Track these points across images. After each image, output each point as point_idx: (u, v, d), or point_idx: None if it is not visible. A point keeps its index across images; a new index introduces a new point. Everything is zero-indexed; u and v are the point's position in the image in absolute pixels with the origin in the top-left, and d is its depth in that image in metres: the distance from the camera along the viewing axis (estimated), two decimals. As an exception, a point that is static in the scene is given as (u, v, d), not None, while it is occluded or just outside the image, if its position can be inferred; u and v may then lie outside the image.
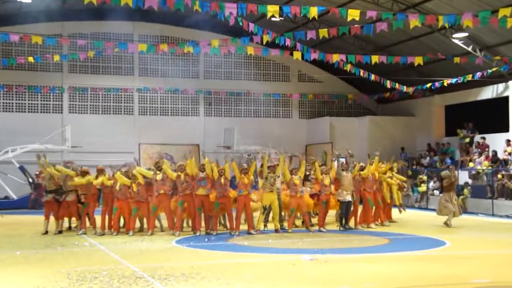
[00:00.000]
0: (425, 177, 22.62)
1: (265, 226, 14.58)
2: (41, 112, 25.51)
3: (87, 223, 14.56)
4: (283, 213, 15.02)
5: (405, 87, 23.15)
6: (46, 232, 14.07)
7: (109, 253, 11.13)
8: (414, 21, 14.47)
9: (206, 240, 12.97)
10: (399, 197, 16.85)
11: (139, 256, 10.77)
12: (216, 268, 9.41)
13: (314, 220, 15.60)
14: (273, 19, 19.91)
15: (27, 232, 14.46)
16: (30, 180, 23.26)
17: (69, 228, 14.99)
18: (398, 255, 10.90)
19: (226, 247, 11.98)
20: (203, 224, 14.01)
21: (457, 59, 20.38)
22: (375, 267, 9.61)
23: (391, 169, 16.66)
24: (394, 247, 11.99)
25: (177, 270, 9.16)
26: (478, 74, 21.37)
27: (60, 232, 14.25)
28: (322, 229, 14.51)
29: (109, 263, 9.98)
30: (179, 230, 13.86)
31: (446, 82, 22.40)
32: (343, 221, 14.70)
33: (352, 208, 14.78)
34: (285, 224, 14.83)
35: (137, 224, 14.51)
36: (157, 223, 14.35)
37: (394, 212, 17.15)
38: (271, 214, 14.70)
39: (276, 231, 14.01)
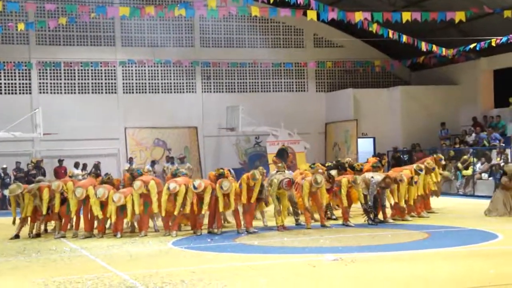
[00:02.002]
0: (471, 158, 22.59)
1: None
2: (5, 93, 25.60)
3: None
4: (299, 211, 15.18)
5: (444, 49, 23.00)
6: (17, 236, 14.22)
7: (93, 259, 11.25)
8: (453, -31, 14.38)
9: (209, 240, 13.08)
10: (437, 177, 16.93)
11: (129, 262, 10.89)
12: (222, 272, 9.51)
13: (338, 213, 15.71)
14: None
15: (-5, 237, 14.64)
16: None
17: (45, 230, 15.13)
18: (439, 252, 10.94)
19: (233, 247, 12.08)
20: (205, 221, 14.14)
21: (507, 13, 20.21)
22: (412, 266, 9.67)
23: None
24: (434, 242, 12.04)
25: (175, 277, 9.27)
26: (534, 30, 21.21)
27: (38, 235, 14.44)
28: (348, 223, 14.62)
29: (93, 270, 10.09)
30: (176, 230, 13.98)
31: (495, 41, 22.23)
32: (372, 213, 14.77)
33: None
34: (301, 219, 14.96)
35: (125, 224, 14.64)
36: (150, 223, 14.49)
37: (435, 201, 17.18)
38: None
39: (278, 228, 14.11)
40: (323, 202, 14.74)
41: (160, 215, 14.19)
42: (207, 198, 13.64)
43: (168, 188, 13.65)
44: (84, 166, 24.33)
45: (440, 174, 17.51)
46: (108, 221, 14.53)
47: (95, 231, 14.24)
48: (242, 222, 14.17)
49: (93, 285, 8.94)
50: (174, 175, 15.27)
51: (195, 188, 13.57)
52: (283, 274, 9.29)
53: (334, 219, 15.63)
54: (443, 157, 18.72)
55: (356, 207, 15.83)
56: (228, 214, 14.97)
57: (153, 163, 24.85)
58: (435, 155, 17.53)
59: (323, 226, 14.39)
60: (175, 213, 13.81)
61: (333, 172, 15.47)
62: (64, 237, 14.16)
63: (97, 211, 13.86)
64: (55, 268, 10.41)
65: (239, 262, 10.43)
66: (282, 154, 17.22)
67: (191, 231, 14.19)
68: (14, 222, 14.43)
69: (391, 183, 14.72)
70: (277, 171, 14.81)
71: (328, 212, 15.94)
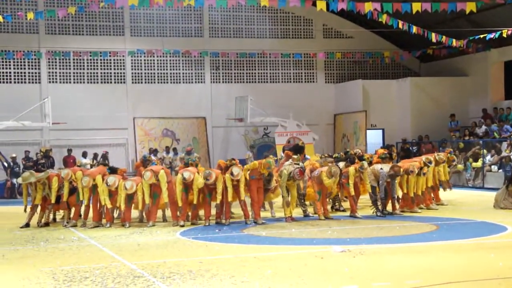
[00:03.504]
0: (480, 150, 22.47)
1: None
2: (14, 82, 25.67)
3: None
4: (307, 202, 15.18)
5: (454, 40, 22.87)
6: (28, 225, 14.28)
7: (101, 249, 11.29)
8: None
9: (217, 230, 13.10)
10: (445, 172, 16.84)
11: (137, 252, 10.91)
12: (229, 263, 9.52)
13: (346, 204, 15.69)
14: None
15: (3, 226, 14.68)
16: (5, 164, 23.55)
17: (54, 219, 15.20)
18: (448, 244, 10.92)
19: (241, 238, 12.09)
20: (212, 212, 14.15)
21: (518, 4, 20.05)
22: (420, 259, 9.65)
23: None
24: (443, 234, 12.00)
25: (182, 267, 9.28)
26: (546, 22, 21.06)
27: (47, 224, 14.50)
28: (356, 214, 14.60)
29: (102, 260, 10.13)
30: (184, 220, 14.00)
31: (506, 32, 22.08)
32: (380, 205, 14.75)
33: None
34: (310, 210, 14.98)
35: (134, 214, 14.67)
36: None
37: (444, 193, 17.12)
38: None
39: (286, 219, 14.10)
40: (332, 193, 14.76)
41: (176, 205, 14.06)
42: (220, 187, 13.62)
43: (184, 178, 13.61)
44: (95, 156, 24.43)
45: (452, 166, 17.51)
46: (116, 211, 14.58)
47: (103, 221, 14.28)
48: (250, 213, 14.17)
49: (101, 274, 8.97)
50: (186, 164, 15.28)
51: (206, 179, 13.55)
52: (290, 266, 9.28)
53: (342, 211, 15.63)
54: (456, 159, 18.67)
55: (365, 199, 15.82)
56: (234, 205, 14.91)
57: (155, 151, 24.92)
58: (449, 155, 17.35)
59: (326, 218, 14.37)
60: (194, 202, 13.82)
61: (341, 164, 15.43)
62: (75, 226, 14.23)
63: (105, 200, 13.88)
64: (63, 257, 10.45)
65: (246, 253, 10.43)
66: (298, 150, 17.18)
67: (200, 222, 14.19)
68: (25, 210, 14.51)
69: (399, 170, 14.66)
70: (291, 163, 14.68)
71: (337, 204, 15.94)
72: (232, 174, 13.59)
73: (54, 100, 24.40)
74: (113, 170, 14.82)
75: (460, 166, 22.33)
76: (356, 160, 15.73)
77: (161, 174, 13.92)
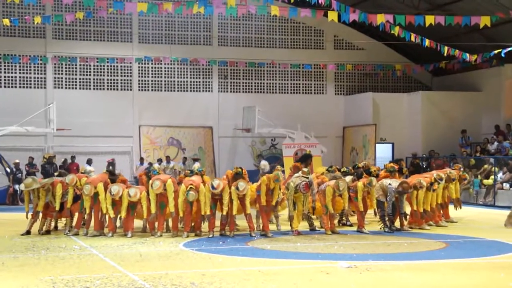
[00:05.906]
0: (492, 168, 22.38)
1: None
2: (20, 87, 25.80)
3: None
4: (314, 216, 15.15)
5: (467, 55, 22.84)
6: (28, 232, 14.28)
7: (103, 258, 11.27)
8: (480, -28, 14.26)
9: (221, 242, 13.06)
10: (457, 190, 16.77)
11: (139, 262, 10.89)
12: (233, 276, 9.48)
13: (353, 219, 15.64)
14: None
15: (4, 233, 14.68)
16: (8, 169, 23.61)
17: (55, 227, 15.19)
18: (457, 263, 10.85)
19: (245, 251, 12.05)
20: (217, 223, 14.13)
21: (534, 20, 20.03)
22: (429, 277, 9.58)
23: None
24: (453, 252, 11.94)
25: (185, 279, 9.26)
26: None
27: (48, 232, 14.49)
28: (363, 230, 14.56)
29: (103, 270, 10.11)
30: (187, 231, 13.97)
31: (520, 48, 22.07)
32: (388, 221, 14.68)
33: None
34: (316, 224, 14.96)
35: (138, 224, 14.65)
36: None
37: (454, 210, 17.06)
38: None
39: (293, 232, 14.06)
40: (341, 207, 14.76)
41: (177, 215, 14.10)
42: (226, 198, 13.61)
43: (190, 189, 13.60)
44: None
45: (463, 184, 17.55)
46: (120, 220, 14.56)
47: (106, 230, 14.26)
48: (255, 226, 14.14)
49: (101, 284, 8.95)
50: (190, 174, 15.26)
51: (213, 188, 13.54)
52: (295, 280, 9.23)
53: (349, 225, 15.57)
54: (467, 177, 18.60)
55: (372, 213, 15.76)
56: (239, 217, 14.86)
57: (159, 161, 24.97)
58: (461, 173, 17.31)
59: (333, 232, 14.33)
60: (202, 213, 13.82)
61: (348, 179, 15.39)
62: (77, 234, 14.21)
63: (108, 209, 13.85)
64: (64, 266, 10.44)
65: (250, 266, 10.40)
66: (306, 159, 17.12)
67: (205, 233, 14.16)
68: (27, 216, 14.51)
69: (408, 187, 14.60)
70: (299, 175, 14.63)
71: (344, 218, 15.89)
72: (237, 188, 13.58)
73: (59, 106, 24.51)
74: (112, 175, 14.86)
75: (472, 191, 22.34)
76: (364, 175, 15.69)
77: (168, 183, 13.91)
